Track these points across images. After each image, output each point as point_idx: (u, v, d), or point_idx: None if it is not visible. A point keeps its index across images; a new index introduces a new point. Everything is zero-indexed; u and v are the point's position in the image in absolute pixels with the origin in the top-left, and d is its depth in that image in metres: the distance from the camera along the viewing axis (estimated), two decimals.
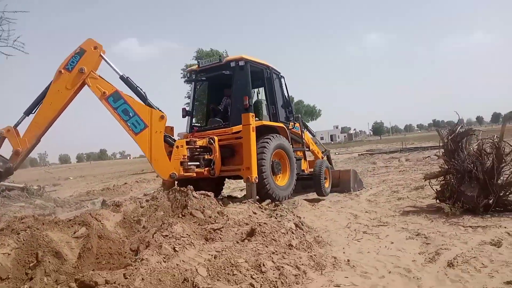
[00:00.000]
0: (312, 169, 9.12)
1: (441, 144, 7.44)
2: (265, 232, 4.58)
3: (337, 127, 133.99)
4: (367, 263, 4.12)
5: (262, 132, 7.66)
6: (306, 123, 10.90)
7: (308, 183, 9.29)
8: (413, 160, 18.44)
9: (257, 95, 9.09)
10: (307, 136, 10.14)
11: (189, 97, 33.03)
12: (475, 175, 6.37)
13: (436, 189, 6.97)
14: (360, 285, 3.54)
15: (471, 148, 6.94)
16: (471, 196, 6.23)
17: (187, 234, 4.46)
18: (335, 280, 3.65)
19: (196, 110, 11.02)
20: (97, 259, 4.33)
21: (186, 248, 4.08)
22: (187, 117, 8.72)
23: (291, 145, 8.40)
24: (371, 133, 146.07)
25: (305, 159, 9.52)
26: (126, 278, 3.34)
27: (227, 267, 3.62)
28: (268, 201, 6.89)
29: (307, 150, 9.93)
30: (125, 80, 6.92)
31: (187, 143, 7.11)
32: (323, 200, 8.35)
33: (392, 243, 4.84)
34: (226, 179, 8.78)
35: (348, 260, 4.16)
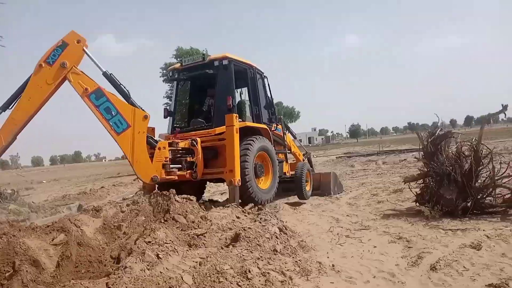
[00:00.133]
0: (293, 172, 9.12)
1: (420, 147, 7.55)
2: (249, 237, 4.54)
3: (315, 129, 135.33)
4: (352, 268, 4.13)
5: (245, 133, 7.59)
6: (288, 125, 10.90)
7: (289, 186, 9.26)
8: (390, 163, 18.75)
9: (240, 96, 9.01)
10: (288, 138, 10.14)
11: (168, 97, 32.57)
12: (453, 177, 6.48)
13: (415, 192, 7.07)
14: None
15: (450, 151, 7.07)
16: (450, 199, 6.35)
17: (170, 240, 4.37)
18: (321, 285, 3.64)
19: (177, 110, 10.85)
20: (76, 268, 4.21)
21: (169, 255, 4.00)
22: (168, 117, 8.57)
23: (273, 147, 8.36)
24: (348, 136, 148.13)
25: (286, 161, 9.51)
26: (109, 287, 3.25)
27: (213, 274, 3.57)
28: (251, 205, 6.85)
29: (288, 152, 9.94)
30: (108, 77, 6.67)
31: (169, 144, 6.93)
32: (304, 203, 8.35)
33: (375, 247, 4.88)
34: (211, 183, 8.66)
35: (333, 265, 4.16)
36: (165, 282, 3.40)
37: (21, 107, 6.07)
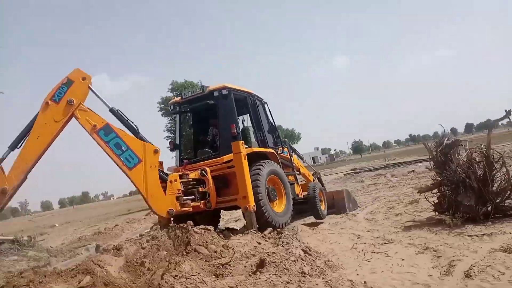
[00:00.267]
0: (306, 193, 9.06)
1: (429, 157, 7.55)
2: (275, 262, 4.47)
3: (317, 149, 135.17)
4: (384, 283, 4.06)
5: (253, 159, 7.59)
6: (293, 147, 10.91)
7: (303, 207, 9.15)
8: (399, 175, 18.66)
9: (242, 123, 9.06)
10: (295, 159, 10.13)
11: (168, 130, 32.91)
12: (469, 184, 6.45)
13: (433, 202, 7.01)
14: None
15: (460, 159, 7.06)
16: (469, 205, 6.30)
17: (196, 272, 4.31)
18: None
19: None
20: None
21: (198, 287, 3.94)
22: (175, 150, 8.60)
23: (283, 170, 8.35)
24: (351, 152, 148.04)
25: (297, 183, 9.47)
26: None
27: None
28: (269, 229, 6.76)
29: (298, 174, 9.91)
30: (115, 113, 6.64)
31: (180, 176, 6.88)
32: (322, 223, 8.28)
33: (403, 259, 4.80)
34: (224, 210, 8.61)
35: (365, 282, 4.08)
36: None
37: (31, 145, 5.97)
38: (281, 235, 5.90)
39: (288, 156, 9.46)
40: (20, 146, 6.06)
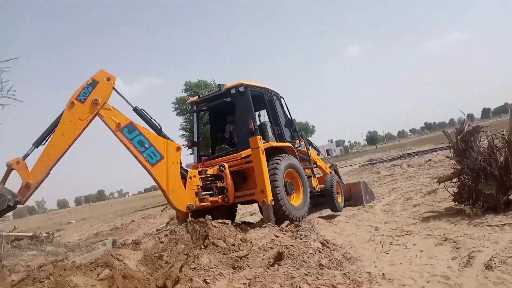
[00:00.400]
0: (323, 185, 9.06)
1: (448, 145, 7.41)
2: (293, 254, 4.48)
3: (332, 141, 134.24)
4: (403, 275, 4.03)
5: (271, 153, 7.65)
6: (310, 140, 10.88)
7: (319, 200, 9.16)
8: (416, 165, 18.40)
9: (259, 118, 9.12)
10: (312, 153, 10.12)
11: (183, 129, 33.57)
12: (490, 172, 6.31)
13: (452, 191, 6.89)
14: None
15: (482, 146, 6.91)
16: (489, 194, 6.16)
17: (214, 265, 4.37)
18: None
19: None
20: None
21: (216, 279, 3.99)
22: (192, 148, 8.75)
23: (300, 164, 8.37)
24: (366, 143, 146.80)
25: (314, 176, 9.47)
26: None
27: None
28: (287, 222, 6.79)
29: (314, 167, 9.90)
30: (139, 112, 6.84)
31: (199, 173, 7.09)
32: (338, 215, 8.25)
33: (422, 251, 4.75)
34: (240, 205, 8.69)
35: (383, 274, 4.06)
36: None
37: (55, 142, 6.13)
38: (299, 228, 5.90)
39: (305, 150, 9.47)
40: (44, 143, 6.20)
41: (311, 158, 9.58)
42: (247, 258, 4.72)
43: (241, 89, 7.94)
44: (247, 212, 11.88)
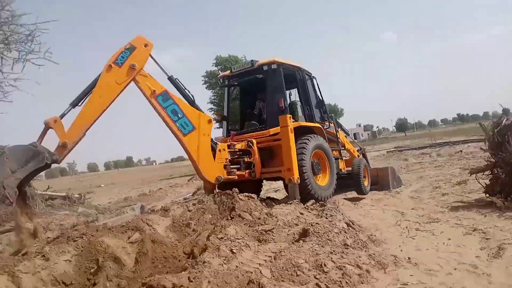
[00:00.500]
0: (350, 168, 9.01)
1: (484, 138, 7.25)
2: (318, 232, 4.52)
3: (359, 125, 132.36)
4: (429, 260, 4.01)
5: (299, 133, 7.62)
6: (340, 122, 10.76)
7: (345, 182, 9.15)
8: (446, 155, 18.01)
9: (289, 97, 9.05)
10: (341, 135, 10.01)
11: (211, 103, 33.79)
12: None
13: (485, 183, 6.74)
14: (428, 283, 3.44)
15: None
16: None
17: (241, 236, 4.45)
18: (400, 278, 3.56)
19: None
20: (153, 263, 4.36)
21: (243, 250, 4.06)
22: (222, 122, 8.78)
23: (328, 145, 8.32)
24: (395, 130, 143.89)
25: (341, 158, 9.40)
26: (191, 281, 3.33)
27: (289, 268, 3.58)
28: (312, 201, 6.82)
29: (342, 149, 9.82)
30: (174, 82, 6.81)
31: (228, 146, 7.13)
32: (364, 198, 8.21)
33: (450, 239, 4.70)
34: (264, 180, 8.75)
35: (409, 258, 4.06)
36: (243, 275, 3.45)
37: (93, 104, 6.09)
38: (324, 207, 5.92)
39: (334, 132, 9.38)
40: (80, 104, 6.17)
41: (339, 140, 9.49)
42: (272, 232, 4.79)
43: (274, 66, 7.87)
44: (271, 188, 11.98)
